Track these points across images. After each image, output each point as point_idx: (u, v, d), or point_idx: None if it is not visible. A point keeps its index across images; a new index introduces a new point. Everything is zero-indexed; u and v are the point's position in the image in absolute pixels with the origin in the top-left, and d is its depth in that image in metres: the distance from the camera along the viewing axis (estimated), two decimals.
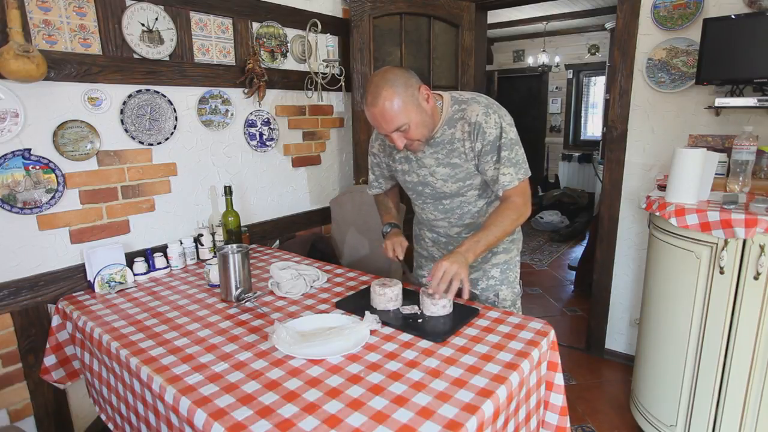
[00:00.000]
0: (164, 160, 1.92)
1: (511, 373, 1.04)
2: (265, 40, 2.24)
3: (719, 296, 1.63)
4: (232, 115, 2.13)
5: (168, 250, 1.84)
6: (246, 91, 2.16)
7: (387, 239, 1.53)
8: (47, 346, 1.59)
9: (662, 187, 1.95)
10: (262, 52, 2.23)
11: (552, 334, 1.24)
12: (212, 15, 2.01)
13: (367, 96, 1.26)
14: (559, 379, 1.24)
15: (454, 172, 1.40)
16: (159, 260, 1.80)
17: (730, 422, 1.67)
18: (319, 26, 2.34)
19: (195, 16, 1.95)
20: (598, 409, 2.21)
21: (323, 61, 2.39)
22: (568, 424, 1.27)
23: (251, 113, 2.23)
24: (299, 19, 2.36)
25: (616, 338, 2.61)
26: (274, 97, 2.34)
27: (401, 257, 1.50)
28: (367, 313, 1.29)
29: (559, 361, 1.25)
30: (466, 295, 1.26)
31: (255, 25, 2.19)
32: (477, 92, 1.44)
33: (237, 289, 1.48)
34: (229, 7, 2.06)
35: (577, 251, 4.68)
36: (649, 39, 2.21)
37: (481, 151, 1.34)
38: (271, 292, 1.57)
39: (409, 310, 1.35)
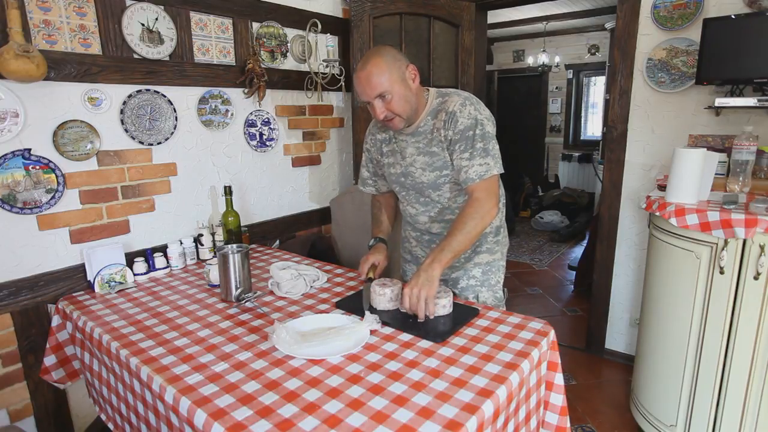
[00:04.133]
0: (164, 160, 1.92)
1: (511, 373, 1.04)
2: (265, 40, 2.24)
3: (719, 296, 1.63)
4: (232, 115, 2.13)
5: (168, 250, 1.84)
6: (246, 91, 2.16)
7: (367, 254, 1.53)
8: (47, 346, 1.59)
9: (662, 187, 1.95)
10: (262, 52, 2.23)
11: (552, 334, 1.24)
12: (212, 15, 2.01)
13: (358, 63, 1.32)
14: (559, 379, 1.24)
15: (432, 161, 1.43)
16: (159, 260, 1.80)
17: (730, 422, 1.67)
18: (319, 26, 2.34)
19: (195, 16, 1.95)
20: (598, 409, 2.21)
21: (323, 61, 2.39)
22: (568, 424, 1.27)
23: (251, 113, 2.23)
24: (299, 19, 2.36)
25: (616, 338, 2.61)
26: (274, 97, 2.34)
27: (366, 274, 1.47)
28: (367, 313, 1.28)
29: (559, 361, 1.25)
30: (430, 315, 1.26)
31: (255, 25, 2.19)
32: (464, 91, 1.49)
33: (237, 289, 1.48)
34: (229, 7, 2.06)
35: (577, 251, 4.68)
36: (649, 39, 2.21)
37: (452, 140, 1.37)
38: (271, 292, 1.57)
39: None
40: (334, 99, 2.66)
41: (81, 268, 1.70)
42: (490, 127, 1.37)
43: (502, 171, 1.38)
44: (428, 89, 1.45)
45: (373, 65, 1.30)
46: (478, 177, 1.34)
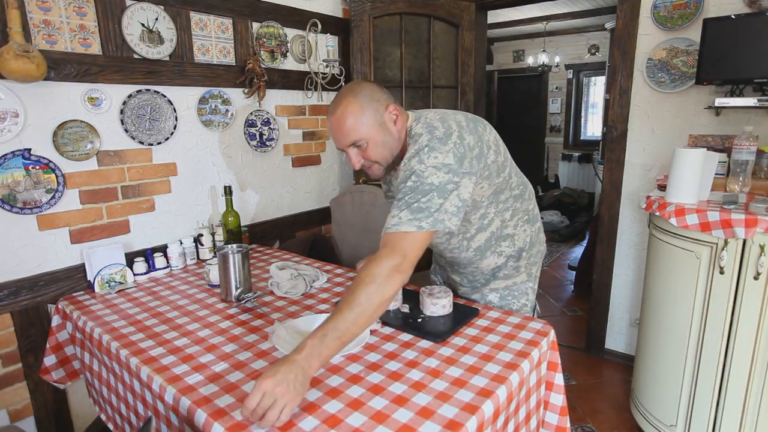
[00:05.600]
0: (164, 160, 1.92)
1: (511, 373, 1.04)
2: (265, 40, 2.24)
3: (719, 296, 1.63)
4: (232, 115, 2.13)
5: (168, 250, 1.84)
6: (246, 91, 2.16)
7: (372, 254, 1.48)
8: (47, 346, 1.59)
9: (662, 187, 1.95)
10: (262, 52, 2.23)
11: (552, 334, 1.24)
12: (212, 15, 2.01)
13: (331, 103, 1.16)
14: (559, 379, 1.24)
15: None
16: (159, 260, 1.80)
17: (730, 422, 1.67)
18: (319, 26, 2.34)
19: (195, 16, 1.95)
20: (598, 409, 2.21)
21: (323, 61, 2.39)
22: (568, 424, 1.27)
23: (251, 113, 2.23)
24: (299, 19, 2.36)
25: (616, 338, 2.61)
26: (274, 97, 2.34)
27: None
28: None
29: (559, 361, 1.25)
30: (276, 424, 0.87)
31: (255, 25, 2.19)
32: (443, 114, 1.21)
33: (237, 289, 1.48)
34: (229, 7, 2.06)
35: (577, 251, 4.68)
36: (649, 39, 2.21)
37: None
38: (271, 292, 1.57)
39: (408, 309, 1.35)
40: None
41: (81, 268, 1.70)
42: (435, 178, 1.07)
43: (426, 229, 1.04)
44: (410, 119, 1.23)
45: (346, 107, 1.11)
46: (385, 228, 1.07)
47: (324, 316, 1.31)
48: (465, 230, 1.32)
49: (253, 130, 2.25)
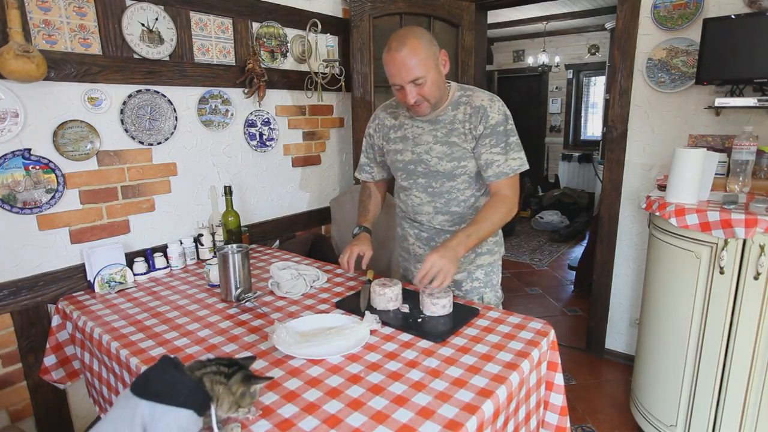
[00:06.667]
0: (164, 160, 1.92)
1: (511, 373, 1.04)
2: (265, 40, 2.24)
3: (719, 296, 1.63)
4: (232, 115, 2.13)
5: (168, 250, 1.84)
6: (246, 91, 2.16)
7: (350, 244, 1.53)
8: (47, 346, 1.59)
9: (662, 187, 1.95)
10: (262, 52, 2.23)
11: (552, 334, 1.24)
12: (212, 15, 2.01)
13: (391, 43, 1.30)
14: (559, 379, 1.24)
15: (451, 151, 1.43)
16: (159, 260, 1.80)
17: (730, 422, 1.67)
18: (319, 26, 2.34)
19: (195, 16, 1.95)
20: (598, 409, 2.21)
21: (323, 61, 2.39)
22: (568, 424, 1.27)
23: (251, 113, 2.23)
24: (299, 19, 2.36)
25: (616, 338, 2.61)
26: (274, 97, 2.34)
27: (351, 269, 1.51)
28: (367, 313, 1.29)
29: (559, 361, 1.25)
30: (440, 287, 1.27)
31: (255, 25, 2.19)
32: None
33: (237, 289, 1.48)
34: (229, 7, 2.06)
35: (577, 251, 4.68)
36: (649, 39, 2.21)
37: (482, 134, 1.39)
38: (271, 292, 1.57)
39: (408, 309, 1.35)
40: (334, 99, 2.66)
41: (81, 268, 1.70)
42: (510, 124, 1.42)
43: (527, 166, 1.43)
44: (449, 82, 1.46)
45: (412, 48, 1.27)
46: (511, 171, 1.39)
47: (325, 316, 1.33)
48: (479, 187, 1.49)
49: (253, 130, 2.25)
